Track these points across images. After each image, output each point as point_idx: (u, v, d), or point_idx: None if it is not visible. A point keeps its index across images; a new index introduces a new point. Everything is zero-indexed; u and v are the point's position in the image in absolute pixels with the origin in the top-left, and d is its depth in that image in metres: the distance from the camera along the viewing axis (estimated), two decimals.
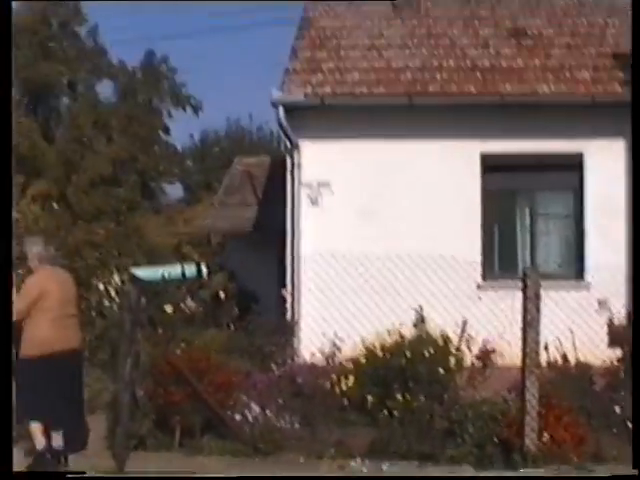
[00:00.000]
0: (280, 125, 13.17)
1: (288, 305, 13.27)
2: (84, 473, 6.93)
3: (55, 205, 23.04)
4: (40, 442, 9.70)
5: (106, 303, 14.62)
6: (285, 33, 15.28)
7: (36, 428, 9.73)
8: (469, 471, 9.15)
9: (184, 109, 35.53)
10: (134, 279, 10.58)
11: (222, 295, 16.11)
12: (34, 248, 10.10)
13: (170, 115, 35.85)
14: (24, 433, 10.41)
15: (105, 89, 35.49)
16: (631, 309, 11.13)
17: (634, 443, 7.72)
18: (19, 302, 9.81)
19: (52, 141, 32.02)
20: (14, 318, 10.08)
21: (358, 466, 9.61)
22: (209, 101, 60.48)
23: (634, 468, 7.38)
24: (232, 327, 14.06)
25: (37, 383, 9.55)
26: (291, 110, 13.02)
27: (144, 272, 10.94)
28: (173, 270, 11.02)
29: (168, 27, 64.05)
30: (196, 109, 35.71)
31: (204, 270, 10.62)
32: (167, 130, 36.16)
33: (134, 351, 10.12)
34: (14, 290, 10.22)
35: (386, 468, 9.53)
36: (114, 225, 23.61)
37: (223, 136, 49.98)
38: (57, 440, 9.84)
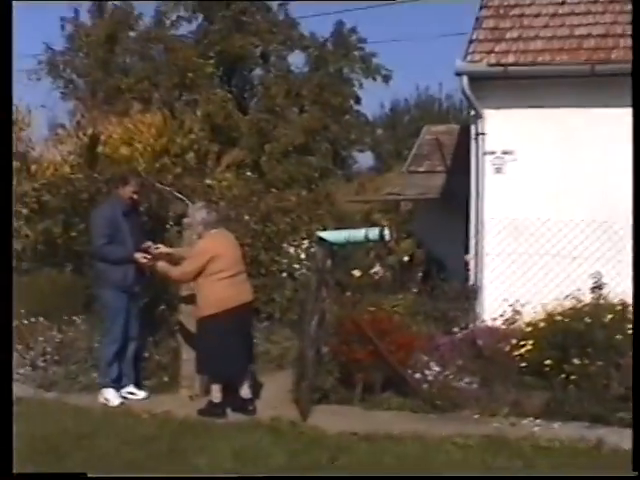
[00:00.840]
0: (464, 94, 13.31)
1: (471, 271, 13.49)
2: (85, 474, 7.43)
3: (249, 173, 23.76)
4: (216, 397, 10.32)
5: (296, 266, 15.25)
6: (471, 2, 15.37)
7: (216, 385, 10.38)
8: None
9: (374, 79, 35.68)
10: (320, 241, 11.05)
11: (408, 260, 16.53)
12: (198, 214, 10.63)
13: (361, 85, 36.07)
14: (189, 384, 11.10)
15: (297, 60, 36.01)
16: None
17: (634, 443, 7.69)
18: (188, 265, 10.38)
19: (246, 111, 32.75)
20: (181, 278, 10.74)
21: (530, 424, 9.92)
22: (398, 70, 60.64)
23: (634, 470, 7.34)
24: (417, 291, 14.42)
25: (218, 339, 10.14)
26: (475, 79, 13.16)
27: (329, 234, 11.37)
28: (357, 233, 11.40)
29: None
30: (386, 78, 35.80)
31: (387, 233, 10.90)
32: (358, 99, 36.36)
33: (320, 309, 10.63)
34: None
35: (557, 427, 9.80)
36: (305, 192, 24.08)
37: (413, 105, 50.32)
38: (245, 390, 10.50)
